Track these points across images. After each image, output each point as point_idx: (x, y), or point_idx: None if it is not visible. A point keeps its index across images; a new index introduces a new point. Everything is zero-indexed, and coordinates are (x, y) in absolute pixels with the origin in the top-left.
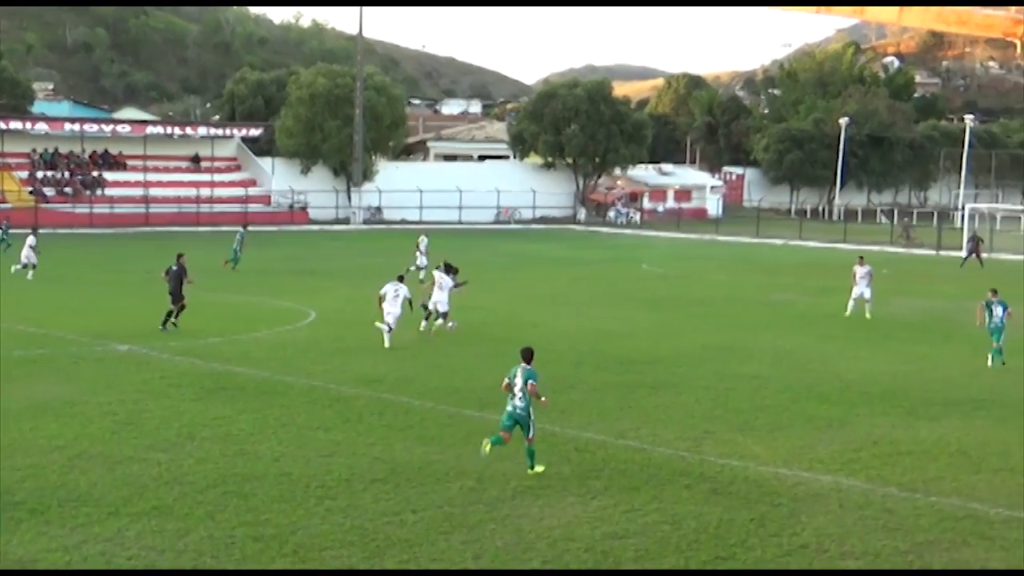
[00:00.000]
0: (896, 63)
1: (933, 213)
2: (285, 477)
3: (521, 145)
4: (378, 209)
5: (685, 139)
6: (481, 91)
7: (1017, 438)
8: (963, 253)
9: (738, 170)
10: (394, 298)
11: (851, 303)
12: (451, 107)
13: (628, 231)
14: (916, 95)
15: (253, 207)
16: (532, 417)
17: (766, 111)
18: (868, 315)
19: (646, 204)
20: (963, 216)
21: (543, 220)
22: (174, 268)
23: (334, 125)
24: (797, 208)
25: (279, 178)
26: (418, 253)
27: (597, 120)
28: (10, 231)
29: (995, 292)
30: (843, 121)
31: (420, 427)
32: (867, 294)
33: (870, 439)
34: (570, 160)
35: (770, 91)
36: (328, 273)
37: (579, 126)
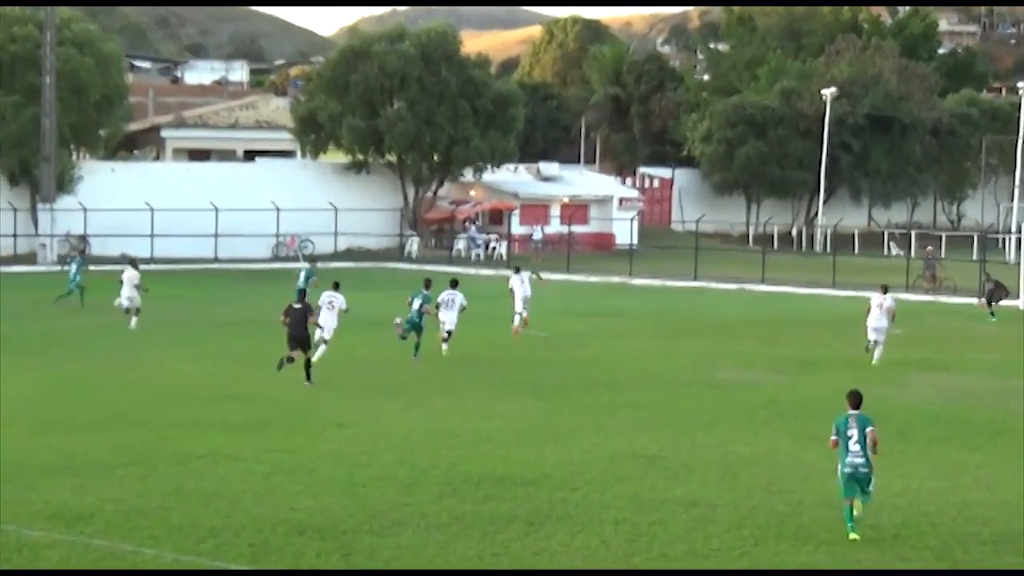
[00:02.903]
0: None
1: (972, 238)
2: None
3: (314, 134)
4: (82, 238)
5: (578, 123)
6: (248, 47)
7: None
8: (984, 299)
9: (663, 172)
10: (329, 309)
11: (871, 345)
12: (199, 73)
13: (488, 271)
14: (942, 51)
15: None
16: (873, 472)
17: (706, 78)
18: (875, 361)
19: (516, 228)
20: (1018, 241)
21: (352, 254)
22: (296, 306)
23: (8, 103)
24: (758, 232)
25: None
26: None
27: (436, 93)
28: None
29: None
30: (828, 94)
31: None
32: (881, 335)
33: None
34: (393, 158)
35: (711, 46)
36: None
37: (407, 103)
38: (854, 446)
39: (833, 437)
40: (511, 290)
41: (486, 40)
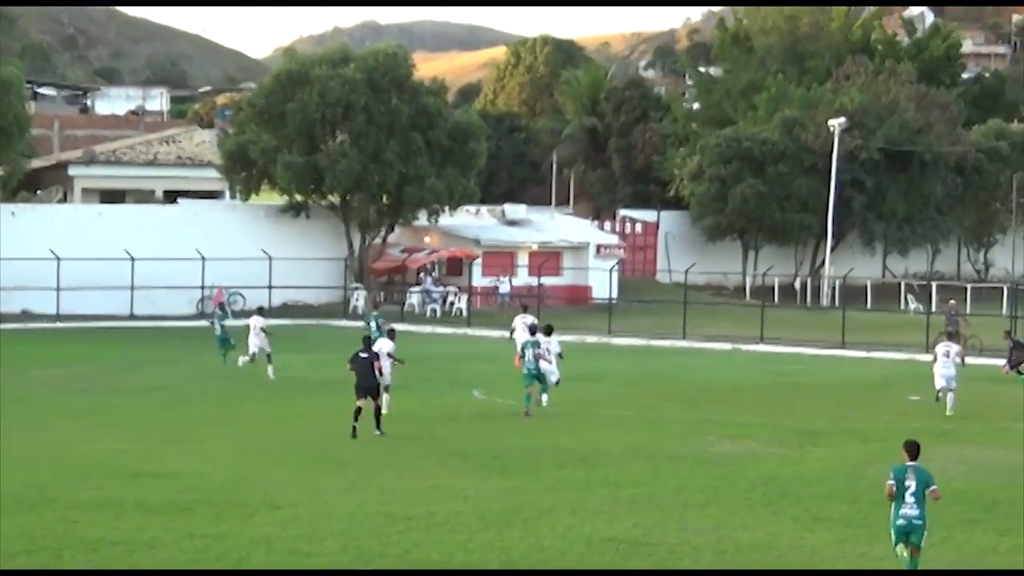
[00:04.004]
0: (930, 17)
1: (1001, 290)
2: None
3: (245, 172)
4: None
5: (549, 159)
6: (168, 72)
7: None
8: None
9: (647, 215)
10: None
11: (941, 394)
12: (112, 101)
13: (445, 329)
14: (968, 75)
15: None
16: (926, 527)
17: (695, 106)
18: (949, 411)
19: (478, 279)
20: None
21: (289, 310)
22: (363, 355)
23: None
24: (755, 284)
25: None
26: None
27: (385, 125)
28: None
29: None
30: (836, 125)
31: None
32: (953, 383)
33: None
34: (336, 199)
35: (702, 70)
36: None
37: (352, 136)
38: (910, 498)
39: (891, 482)
40: (513, 329)
41: (442, 63)
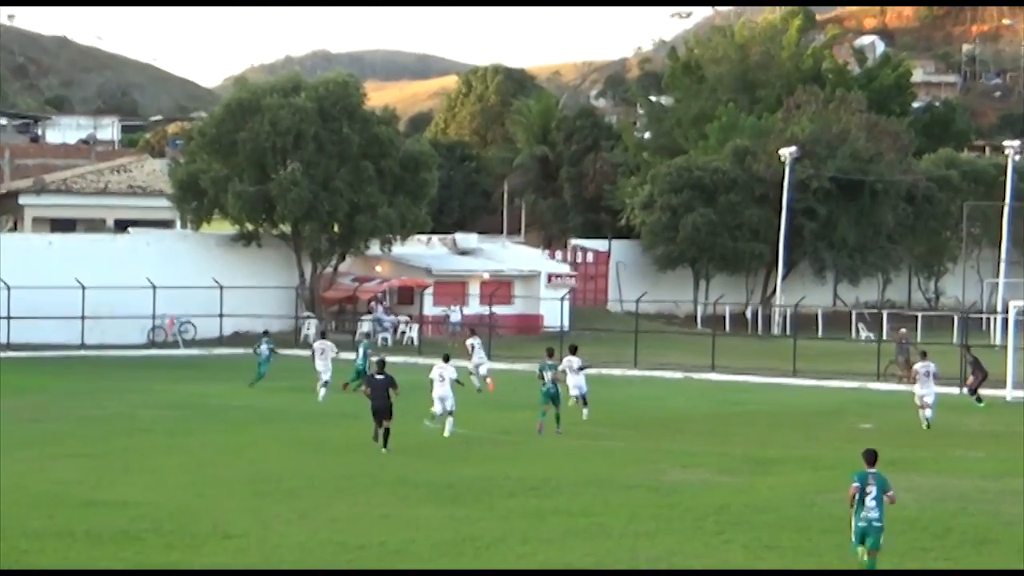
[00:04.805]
0: (880, 46)
1: (952, 318)
2: None
3: (196, 201)
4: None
5: (500, 188)
6: (119, 101)
7: None
8: (970, 383)
9: (598, 244)
10: (440, 381)
11: (920, 412)
12: (63, 131)
13: (396, 358)
14: (918, 104)
15: None
16: (884, 527)
17: (647, 135)
18: (927, 425)
19: (430, 308)
20: (1004, 322)
21: (240, 339)
22: (379, 377)
23: None
24: (707, 313)
25: None
26: None
27: (336, 154)
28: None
29: None
30: (787, 154)
31: None
32: (930, 398)
33: None
34: (287, 228)
35: (653, 99)
36: None
37: (303, 165)
38: (871, 502)
39: (856, 485)
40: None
41: (394, 92)
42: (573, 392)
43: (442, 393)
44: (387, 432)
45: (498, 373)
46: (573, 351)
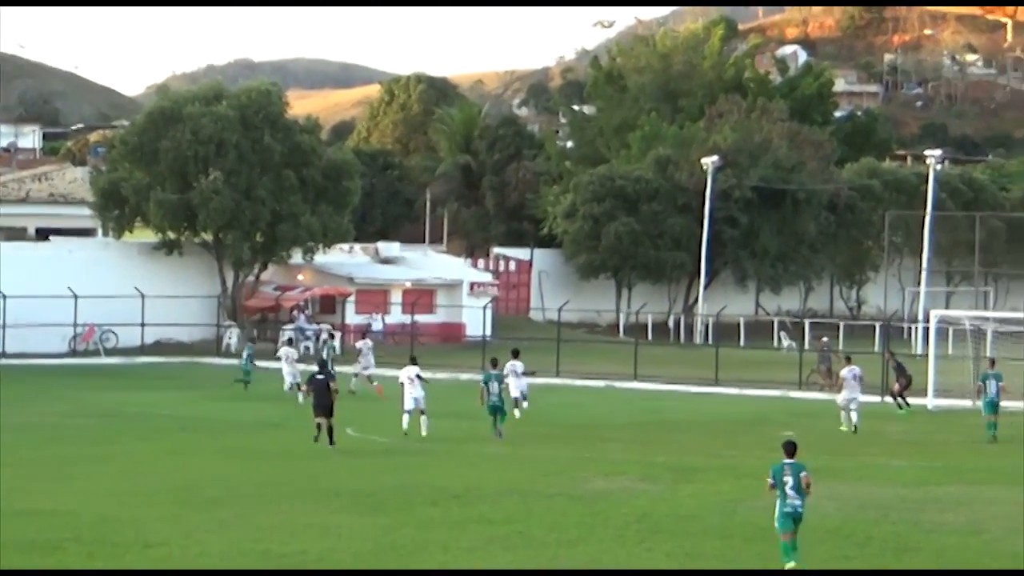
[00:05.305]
0: (802, 56)
1: (873, 327)
2: None
3: (118, 210)
4: None
5: (423, 197)
6: (40, 109)
7: None
8: (895, 388)
9: (520, 253)
10: (411, 383)
11: (844, 414)
12: None
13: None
14: (840, 114)
15: None
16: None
17: (569, 144)
18: (854, 427)
19: (352, 317)
20: (926, 331)
21: (161, 348)
22: (319, 376)
23: None
24: (629, 322)
25: None
26: None
27: (258, 162)
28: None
29: (993, 363)
30: (709, 163)
31: None
32: (855, 403)
33: None
34: (209, 237)
35: (575, 108)
36: None
37: (225, 174)
38: (791, 491)
39: (770, 481)
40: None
41: (316, 101)
42: (514, 394)
43: (416, 394)
44: (330, 429)
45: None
46: (515, 355)
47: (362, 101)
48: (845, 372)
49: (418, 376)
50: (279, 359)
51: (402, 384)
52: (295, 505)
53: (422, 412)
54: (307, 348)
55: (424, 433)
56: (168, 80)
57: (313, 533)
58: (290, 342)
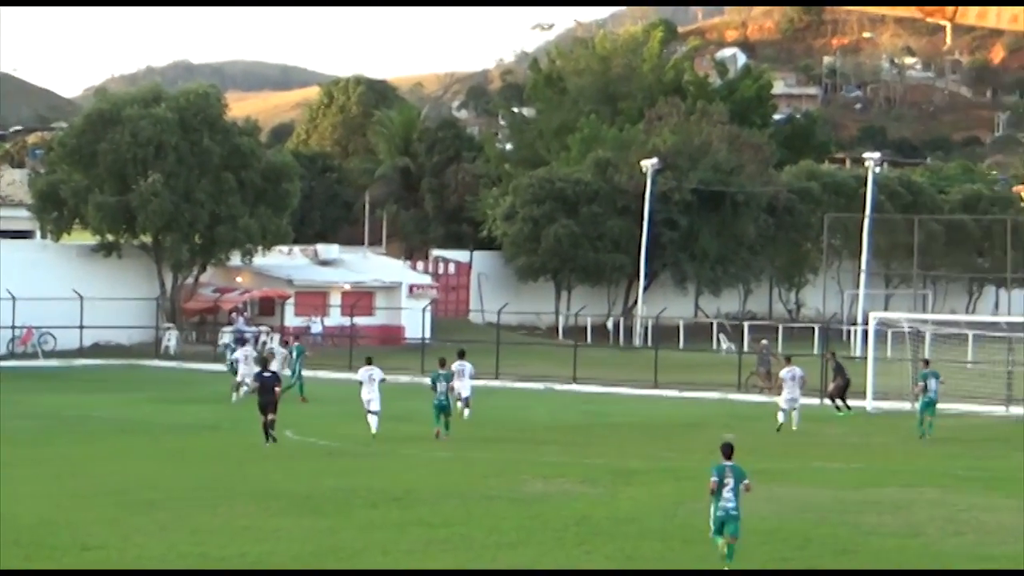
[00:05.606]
0: (741, 58)
1: (812, 329)
2: None
3: (56, 212)
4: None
5: (362, 199)
6: None
7: None
8: (831, 389)
9: (460, 255)
10: (370, 382)
11: (781, 413)
12: None
13: (259, 368)
14: (779, 116)
15: None
16: (740, 516)
17: (508, 147)
18: (795, 426)
19: (291, 319)
20: (865, 333)
21: (100, 350)
22: (266, 375)
23: None
24: (568, 324)
25: None
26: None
27: (197, 164)
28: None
29: (927, 364)
30: (649, 166)
31: None
32: (796, 403)
33: None
34: (148, 239)
35: (515, 110)
36: None
37: (164, 176)
38: (728, 493)
39: (714, 479)
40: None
41: (255, 103)
42: (465, 394)
43: (370, 395)
44: (272, 423)
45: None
46: (461, 355)
47: (301, 103)
48: (784, 373)
49: (380, 379)
50: (234, 360)
51: (360, 383)
52: (234, 508)
53: (375, 413)
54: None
55: (374, 432)
56: (107, 82)
57: (252, 536)
58: (245, 343)
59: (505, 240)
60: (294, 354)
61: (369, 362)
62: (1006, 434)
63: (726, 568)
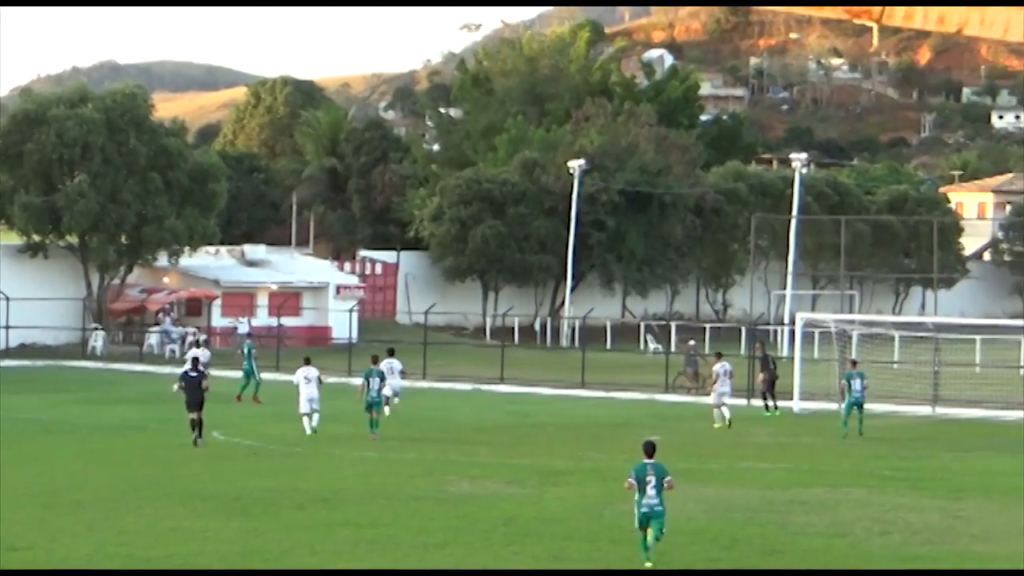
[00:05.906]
0: (668, 59)
1: (740, 330)
2: None
3: None
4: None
5: (289, 199)
6: None
7: None
8: (760, 380)
9: (387, 256)
10: (307, 383)
11: (717, 411)
12: None
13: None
14: (706, 117)
15: None
16: (665, 512)
17: (435, 148)
18: (727, 422)
19: (218, 320)
20: (791, 334)
21: (26, 351)
22: (192, 374)
23: None
24: (496, 325)
25: None
26: None
27: (124, 165)
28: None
29: (855, 364)
30: (576, 167)
31: None
32: (727, 397)
33: None
34: (74, 239)
35: (442, 111)
36: None
37: (90, 176)
38: (651, 491)
39: (631, 480)
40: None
41: (182, 104)
42: (387, 392)
43: (311, 395)
44: (200, 423)
45: (286, 385)
46: (391, 354)
47: (228, 104)
48: (718, 367)
49: (318, 378)
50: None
51: (297, 385)
52: (160, 508)
53: (315, 411)
54: (172, 352)
55: (315, 429)
56: (32, 82)
57: (179, 537)
58: (197, 344)
59: (432, 241)
60: (245, 350)
61: (307, 362)
62: (932, 434)
63: (647, 565)
